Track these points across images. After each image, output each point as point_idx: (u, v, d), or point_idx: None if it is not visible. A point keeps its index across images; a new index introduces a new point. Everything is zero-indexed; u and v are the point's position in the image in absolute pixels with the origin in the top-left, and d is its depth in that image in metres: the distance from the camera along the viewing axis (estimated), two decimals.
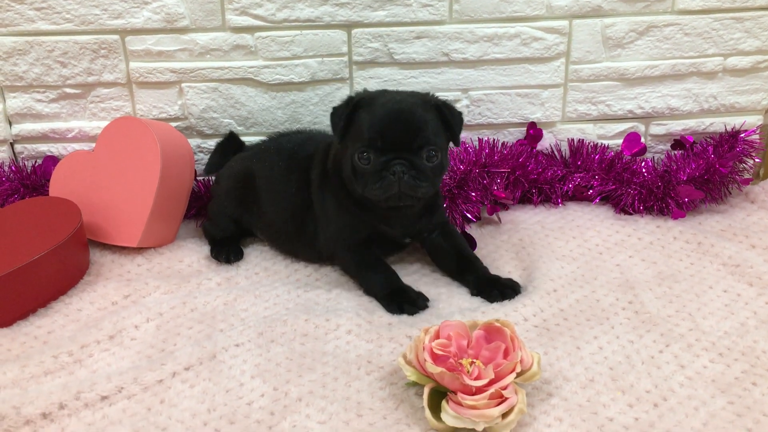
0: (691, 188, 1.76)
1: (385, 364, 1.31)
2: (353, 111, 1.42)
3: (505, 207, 1.83)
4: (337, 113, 1.45)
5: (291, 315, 1.45)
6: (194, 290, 1.53)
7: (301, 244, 1.62)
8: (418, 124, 1.38)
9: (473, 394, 1.12)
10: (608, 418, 1.17)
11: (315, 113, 1.83)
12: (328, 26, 1.74)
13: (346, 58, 1.78)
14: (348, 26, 1.75)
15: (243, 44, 1.74)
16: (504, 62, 1.81)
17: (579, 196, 1.87)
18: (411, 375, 1.19)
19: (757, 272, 1.56)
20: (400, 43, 1.76)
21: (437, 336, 1.21)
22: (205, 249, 1.68)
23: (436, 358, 1.17)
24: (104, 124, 1.79)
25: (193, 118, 1.82)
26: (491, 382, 1.13)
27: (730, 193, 1.85)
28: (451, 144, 1.50)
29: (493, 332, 1.22)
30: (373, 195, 1.41)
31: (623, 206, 1.81)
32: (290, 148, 1.64)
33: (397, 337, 1.38)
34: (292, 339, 1.38)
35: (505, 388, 1.13)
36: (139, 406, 1.21)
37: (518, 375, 1.17)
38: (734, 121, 1.88)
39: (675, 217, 1.78)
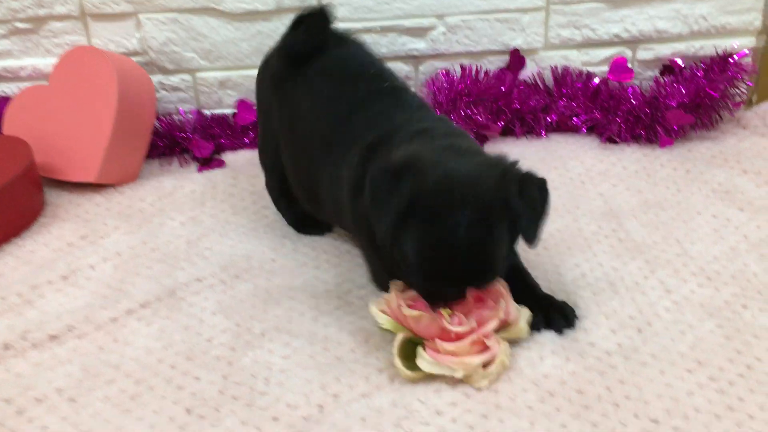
0: (681, 113, 1.68)
1: (355, 299, 1.25)
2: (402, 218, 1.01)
3: (486, 138, 1.75)
4: (377, 196, 1.03)
5: (258, 252, 1.37)
6: (156, 230, 1.45)
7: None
8: (485, 267, 1.03)
9: (452, 341, 1.04)
10: (590, 344, 1.11)
11: None
12: None
13: None
14: None
15: None
16: None
17: (563, 126, 1.79)
18: (385, 323, 1.08)
19: (748, 197, 1.49)
20: None
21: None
22: (168, 186, 1.59)
23: (414, 307, 1.07)
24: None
25: (153, 52, 1.72)
26: (473, 330, 1.04)
27: (722, 119, 1.76)
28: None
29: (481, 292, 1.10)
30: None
31: (609, 135, 1.72)
32: (353, 102, 1.25)
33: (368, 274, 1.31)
34: (257, 275, 1.31)
35: (487, 337, 1.04)
36: (90, 345, 1.14)
37: (503, 327, 1.08)
38: (725, 44, 1.78)
39: (663, 145, 1.70)
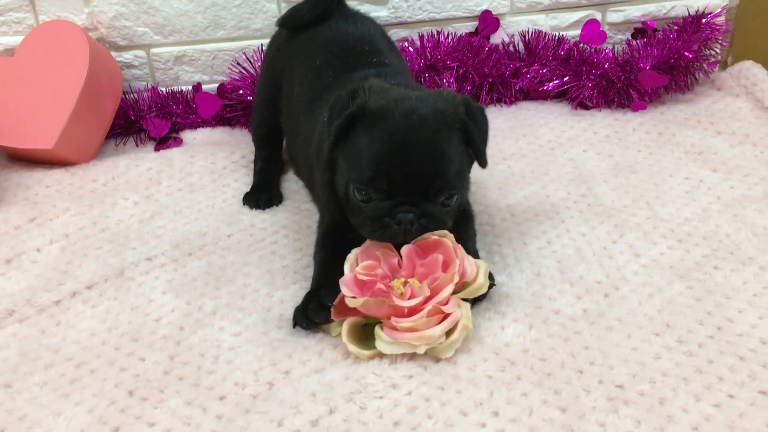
0: (654, 74, 1.62)
1: (312, 273, 1.19)
2: (350, 122, 1.04)
3: None
4: (333, 114, 1.06)
5: (213, 229, 1.32)
6: (107, 210, 1.39)
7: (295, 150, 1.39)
8: (437, 165, 1.01)
9: (408, 316, 0.97)
10: (554, 311, 1.06)
11: (239, 16, 1.67)
12: None
13: None
14: None
15: None
16: None
17: (534, 94, 1.73)
18: (335, 329, 1.02)
19: (722, 158, 1.44)
20: None
21: (357, 262, 1.03)
22: (122, 166, 1.52)
23: (362, 286, 0.99)
24: (6, 39, 1.66)
25: (104, 27, 1.65)
26: (427, 299, 0.97)
27: (697, 81, 1.71)
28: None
29: (429, 247, 1.03)
30: (368, 236, 1.06)
31: (581, 100, 1.67)
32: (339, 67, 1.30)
33: None
34: (211, 252, 1.26)
35: (445, 303, 0.98)
36: (31, 329, 1.09)
37: (460, 288, 1.01)
38: (697, 4, 1.73)
39: (636, 109, 1.65)
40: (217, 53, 1.71)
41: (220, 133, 1.67)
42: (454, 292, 1.00)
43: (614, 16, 1.75)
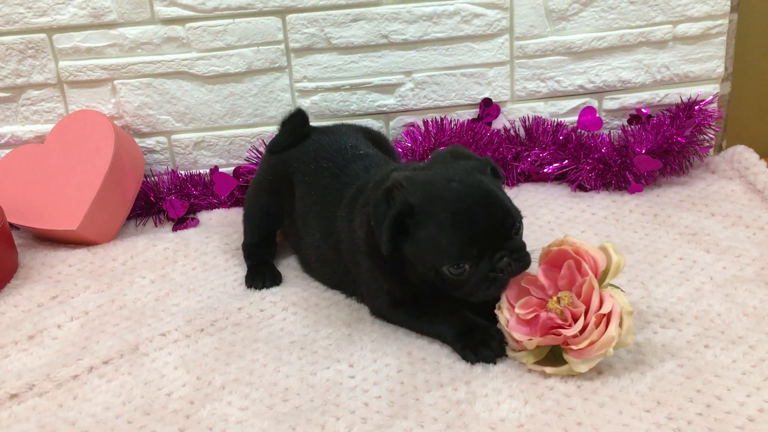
0: (648, 158, 1.70)
1: (319, 349, 1.25)
2: (401, 220, 1.15)
3: None
4: (378, 216, 1.16)
5: (224, 306, 1.38)
6: (125, 288, 1.46)
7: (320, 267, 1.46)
8: (500, 206, 1.14)
9: (581, 335, 1.08)
10: (548, 387, 1.10)
11: (255, 105, 1.78)
12: (261, 13, 1.69)
13: (282, 46, 1.73)
14: (282, 12, 1.70)
15: (174, 36, 1.69)
16: (446, 41, 1.75)
17: (535, 176, 1.81)
18: (528, 358, 1.14)
19: (715, 239, 1.49)
20: (336, 27, 1.71)
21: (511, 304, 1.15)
22: (141, 245, 1.60)
23: (529, 323, 1.12)
24: (37, 127, 1.77)
25: (129, 116, 1.76)
26: (586, 313, 1.09)
27: (692, 164, 1.79)
28: None
29: (557, 258, 1.15)
30: (478, 299, 1.17)
31: (580, 182, 1.74)
32: (336, 169, 1.44)
33: (334, 324, 1.31)
34: (222, 329, 1.32)
35: (600, 307, 1.08)
36: (50, 403, 1.14)
37: (603, 277, 1.12)
38: (689, 92, 1.82)
39: (632, 192, 1.72)
40: (233, 139, 1.81)
41: (234, 214, 1.75)
42: (601, 283, 1.11)
43: (610, 103, 1.84)
